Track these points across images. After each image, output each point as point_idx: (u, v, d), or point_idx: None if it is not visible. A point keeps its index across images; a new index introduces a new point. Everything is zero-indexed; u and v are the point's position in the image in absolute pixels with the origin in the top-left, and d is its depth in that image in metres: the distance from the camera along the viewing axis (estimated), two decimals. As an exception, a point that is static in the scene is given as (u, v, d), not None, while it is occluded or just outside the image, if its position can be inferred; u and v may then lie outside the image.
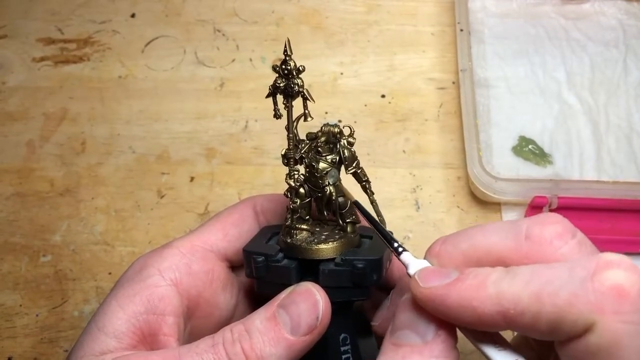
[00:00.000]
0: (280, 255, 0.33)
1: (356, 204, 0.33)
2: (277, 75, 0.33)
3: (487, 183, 0.50)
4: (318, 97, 0.59)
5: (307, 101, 0.33)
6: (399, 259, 0.30)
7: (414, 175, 0.55)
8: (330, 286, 0.32)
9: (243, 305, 0.38)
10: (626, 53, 0.61)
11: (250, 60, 0.62)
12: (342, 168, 0.35)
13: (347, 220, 0.34)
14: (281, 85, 0.33)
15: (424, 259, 0.30)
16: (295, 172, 0.35)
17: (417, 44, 0.63)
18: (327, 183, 0.34)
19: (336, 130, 0.34)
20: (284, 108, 0.34)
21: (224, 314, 0.36)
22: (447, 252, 0.29)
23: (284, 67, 0.33)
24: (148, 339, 0.31)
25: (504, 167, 0.54)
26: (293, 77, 0.33)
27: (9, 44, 0.64)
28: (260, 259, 0.33)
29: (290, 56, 0.32)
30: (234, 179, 0.55)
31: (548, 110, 0.58)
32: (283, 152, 0.35)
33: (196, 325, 0.34)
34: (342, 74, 0.61)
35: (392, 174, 0.55)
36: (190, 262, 0.34)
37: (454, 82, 0.60)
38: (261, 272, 0.33)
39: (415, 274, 0.28)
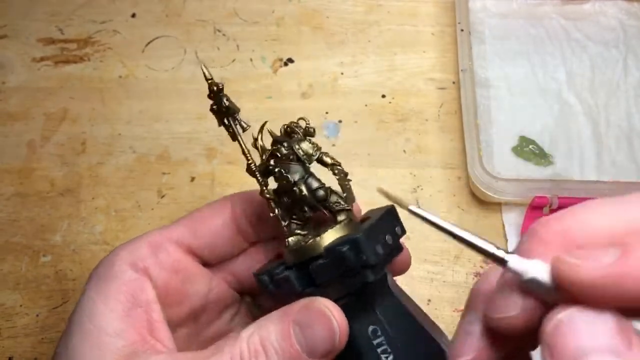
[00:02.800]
0: (282, 267, 0.32)
1: (410, 210, 0.26)
2: (211, 102, 0.34)
3: (487, 183, 0.50)
4: (318, 97, 0.60)
5: (234, 114, 0.34)
6: (507, 269, 0.23)
7: (415, 175, 0.55)
8: (329, 282, 0.31)
9: (217, 292, 0.38)
10: (626, 53, 0.61)
11: (251, 60, 0.62)
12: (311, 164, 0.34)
13: (337, 209, 0.33)
14: (215, 107, 0.34)
15: (520, 254, 0.22)
16: (264, 185, 0.34)
17: (417, 44, 0.63)
18: (292, 181, 0.33)
19: (283, 128, 0.34)
20: (228, 128, 0.34)
21: (195, 303, 0.36)
22: (579, 231, 0.22)
23: (209, 91, 0.33)
24: (143, 329, 0.32)
25: (504, 167, 0.54)
26: (219, 95, 0.33)
27: (10, 44, 0.64)
28: (265, 278, 0.32)
29: (211, 80, 0.33)
30: (235, 180, 0.55)
31: (548, 111, 0.58)
32: (246, 169, 0.34)
33: (169, 313, 0.35)
34: (342, 74, 0.61)
35: (393, 174, 0.55)
36: (156, 253, 0.35)
37: (454, 82, 0.60)
38: (271, 289, 0.32)
39: (564, 257, 0.21)
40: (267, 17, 0.65)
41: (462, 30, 0.59)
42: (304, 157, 0.33)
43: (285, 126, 0.34)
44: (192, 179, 0.55)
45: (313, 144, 0.34)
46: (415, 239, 0.51)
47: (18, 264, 0.52)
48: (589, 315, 0.21)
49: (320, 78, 0.61)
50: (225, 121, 0.34)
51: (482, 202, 0.53)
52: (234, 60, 0.62)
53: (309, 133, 0.34)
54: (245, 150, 0.34)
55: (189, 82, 0.61)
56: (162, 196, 0.55)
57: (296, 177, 0.33)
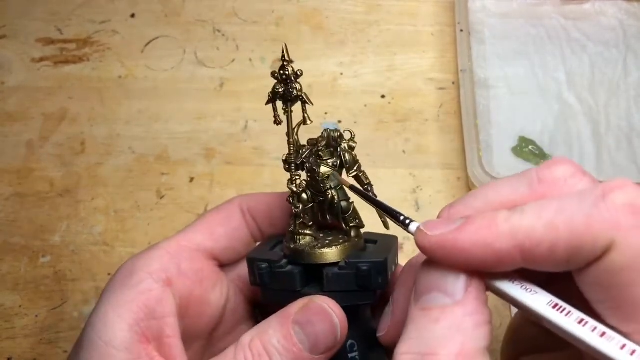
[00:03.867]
0: (284, 261, 0.33)
1: (352, 188, 0.33)
2: (276, 81, 0.33)
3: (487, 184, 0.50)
4: (318, 97, 0.60)
5: (306, 104, 0.33)
6: (407, 231, 0.28)
7: (414, 176, 0.55)
8: (335, 290, 0.32)
9: (234, 302, 0.38)
10: (626, 53, 0.61)
11: (250, 60, 0.62)
12: (344, 172, 0.35)
13: (351, 225, 0.34)
14: (280, 90, 0.33)
15: None
16: (297, 177, 0.34)
17: (417, 44, 0.63)
18: (329, 187, 0.34)
19: (336, 134, 0.34)
20: (284, 113, 0.34)
21: (215, 313, 0.36)
22: (459, 213, 0.28)
23: (282, 72, 0.33)
24: (153, 344, 0.31)
25: (504, 168, 0.54)
26: (292, 82, 0.33)
27: (9, 44, 0.64)
28: (263, 266, 0.33)
29: (288, 62, 0.33)
30: (234, 180, 0.55)
31: (548, 111, 0.58)
32: (284, 158, 0.35)
33: (188, 324, 0.34)
34: (342, 74, 0.61)
35: (392, 175, 0.55)
36: (179, 262, 0.34)
37: (454, 83, 0.60)
38: (265, 279, 0.33)
39: (419, 225, 0.27)
40: (267, 17, 0.65)
41: (461, 30, 0.59)
42: (347, 166, 0.35)
43: (336, 132, 0.35)
44: (192, 179, 0.55)
45: (357, 159, 0.35)
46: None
47: (17, 265, 0.51)
48: (439, 266, 0.26)
49: (319, 78, 0.61)
50: (284, 107, 0.34)
51: (481, 202, 0.53)
52: (233, 60, 0.62)
53: (351, 147, 0.35)
54: (292, 140, 0.34)
55: (188, 82, 0.61)
56: (162, 197, 0.55)
57: (333, 183, 0.34)
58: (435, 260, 0.26)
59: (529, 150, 0.55)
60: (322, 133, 0.35)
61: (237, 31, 0.64)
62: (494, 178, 0.50)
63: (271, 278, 0.33)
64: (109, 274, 0.51)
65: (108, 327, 0.30)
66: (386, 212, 0.30)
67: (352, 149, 0.35)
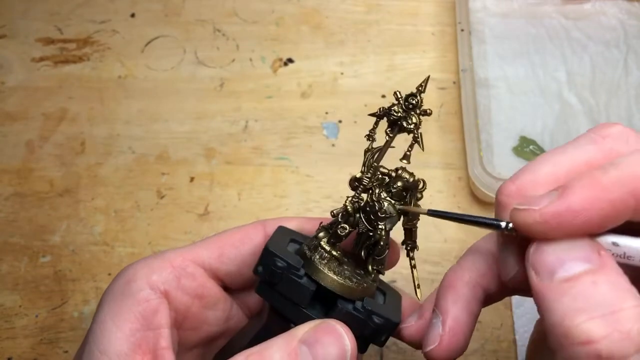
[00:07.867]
0: (303, 270, 0.32)
1: (430, 212, 0.31)
2: (396, 102, 0.32)
3: (487, 184, 0.50)
4: (318, 97, 0.60)
5: (416, 144, 0.32)
6: (508, 232, 0.27)
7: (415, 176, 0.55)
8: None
9: (236, 319, 0.37)
10: (627, 53, 0.61)
11: (250, 60, 0.62)
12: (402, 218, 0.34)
13: (374, 268, 0.33)
14: (395, 114, 0.32)
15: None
16: (359, 201, 0.33)
17: (417, 43, 0.62)
18: (383, 227, 0.32)
19: (417, 184, 0.33)
20: (386, 136, 0.32)
21: (213, 329, 0.35)
22: (530, 181, 0.27)
23: (408, 100, 0.31)
24: (147, 355, 0.30)
25: (504, 168, 0.54)
26: (414, 113, 0.32)
27: (9, 44, 0.64)
28: (280, 265, 0.31)
29: (420, 94, 0.31)
30: (234, 179, 0.55)
31: (549, 110, 0.58)
32: (358, 176, 0.33)
33: (183, 336, 0.34)
34: (342, 73, 0.61)
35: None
36: (180, 276, 0.33)
37: (454, 82, 0.60)
38: (276, 279, 0.31)
39: (514, 206, 0.25)
40: (267, 16, 0.65)
41: (462, 30, 0.59)
42: (410, 216, 0.33)
43: (416, 181, 0.33)
44: (192, 179, 0.55)
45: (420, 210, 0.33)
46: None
47: (17, 265, 0.51)
48: (555, 240, 0.25)
49: (320, 78, 0.60)
50: (388, 129, 0.32)
51: (482, 202, 0.53)
52: (233, 60, 0.62)
53: (418, 198, 0.33)
54: (376, 165, 0.33)
55: (188, 82, 0.61)
56: (162, 196, 0.54)
57: (388, 226, 0.32)
58: (548, 234, 0.25)
59: (530, 150, 0.55)
60: (402, 174, 0.33)
61: (237, 31, 0.64)
62: (495, 178, 0.50)
63: (281, 280, 0.31)
64: (109, 274, 0.51)
65: (104, 336, 0.30)
66: (479, 224, 0.28)
67: (418, 200, 0.33)
